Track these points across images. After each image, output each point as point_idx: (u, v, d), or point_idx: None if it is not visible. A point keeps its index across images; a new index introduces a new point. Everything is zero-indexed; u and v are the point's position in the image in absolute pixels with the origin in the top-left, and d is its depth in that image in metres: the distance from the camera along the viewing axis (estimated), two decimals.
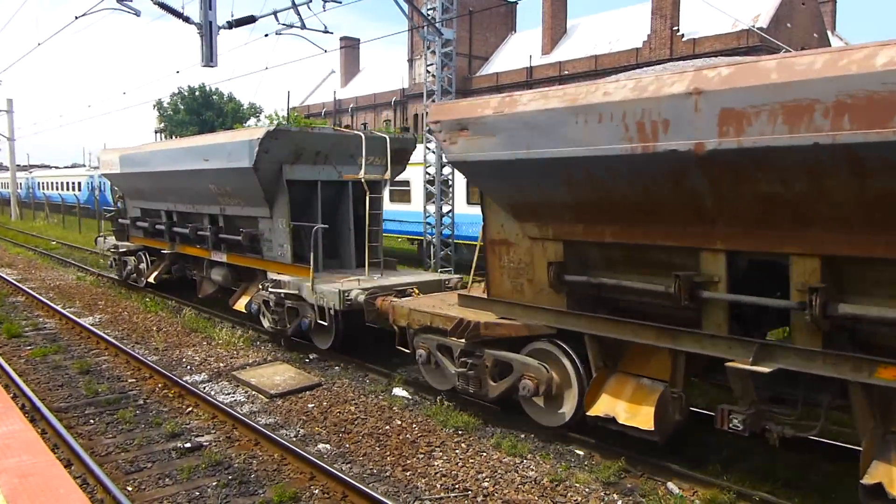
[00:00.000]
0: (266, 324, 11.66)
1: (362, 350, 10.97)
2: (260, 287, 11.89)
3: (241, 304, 12.88)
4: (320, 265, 10.96)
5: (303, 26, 15.76)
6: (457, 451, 7.28)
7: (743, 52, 44.16)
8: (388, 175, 11.88)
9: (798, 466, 6.71)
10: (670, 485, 6.37)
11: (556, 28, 59.58)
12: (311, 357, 11.11)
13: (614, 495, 6.24)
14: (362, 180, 11.31)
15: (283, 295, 11.02)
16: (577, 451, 7.23)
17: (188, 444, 7.33)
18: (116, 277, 18.02)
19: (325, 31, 16.28)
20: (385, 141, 11.78)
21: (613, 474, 6.57)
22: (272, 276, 11.59)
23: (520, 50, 60.84)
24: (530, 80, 55.39)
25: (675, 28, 48.01)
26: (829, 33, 53.68)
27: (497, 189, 7.68)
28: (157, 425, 7.95)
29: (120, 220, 17.58)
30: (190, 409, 8.56)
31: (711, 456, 6.90)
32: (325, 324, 10.35)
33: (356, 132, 11.97)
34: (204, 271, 14.42)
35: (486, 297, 8.26)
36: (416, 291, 10.10)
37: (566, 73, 53.04)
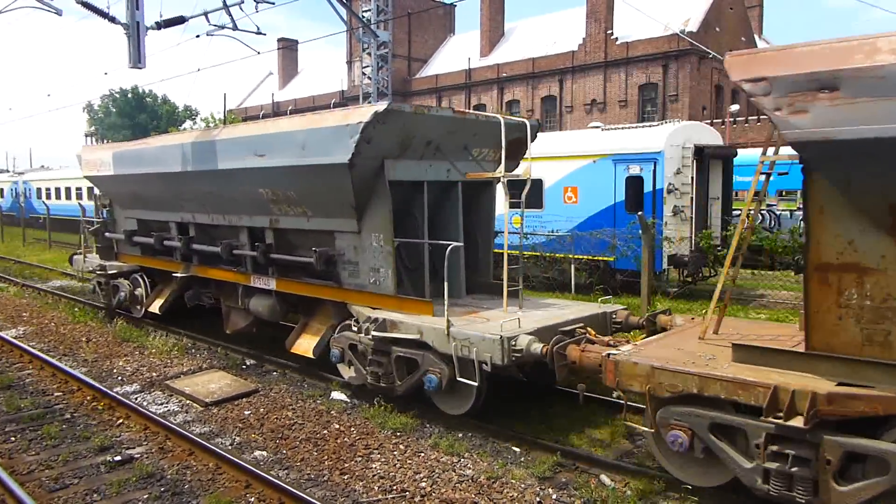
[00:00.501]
0: (349, 375, 8.92)
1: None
2: (334, 323, 9.32)
3: (304, 347, 9.79)
4: (445, 300, 7.61)
5: (235, 27, 15.50)
6: (395, 452, 7.29)
7: (674, 56, 45.58)
8: (523, 173, 8.72)
9: None
10: (603, 477, 6.53)
11: (493, 30, 60.17)
12: (248, 363, 10.93)
13: (549, 489, 6.35)
14: (501, 179, 8.44)
15: (390, 340, 8.01)
16: (514, 448, 7.33)
17: (118, 458, 7.12)
18: (102, 305, 14.60)
19: (259, 33, 16.06)
20: (500, 127, 8.87)
21: (548, 469, 6.68)
22: (365, 311, 8.57)
23: (459, 52, 61.24)
24: (469, 82, 55.80)
25: (610, 32, 49.11)
26: (756, 37, 55.77)
27: (871, 183, 5.10)
28: (84, 439, 7.69)
29: (107, 235, 14.30)
30: (121, 421, 8.31)
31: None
32: (473, 382, 7.30)
33: (492, 115, 9.20)
34: (238, 300, 11.19)
35: (801, 349, 5.74)
36: (592, 332, 7.61)
37: (504, 75, 53.65)
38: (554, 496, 6.23)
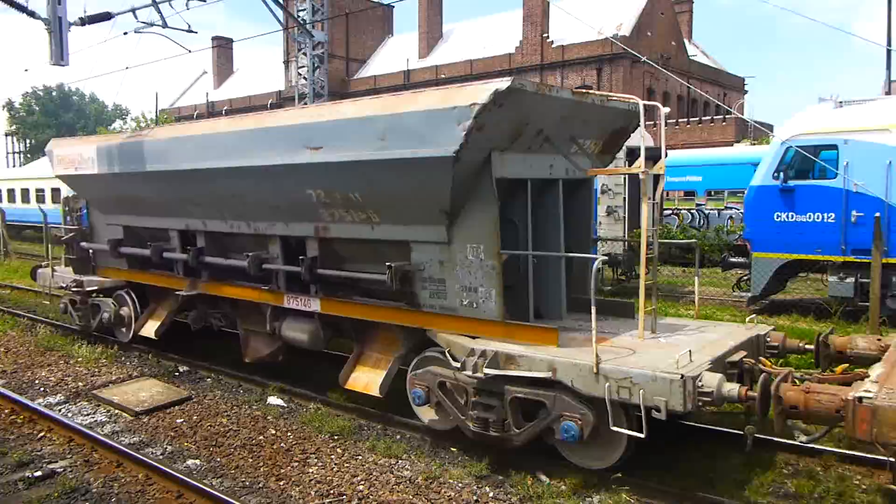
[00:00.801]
0: (430, 418, 7.38)
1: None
2: (402, 353, 7.81)
3: (364, 383, 8.05)
4: (594, 326, 6.09)
5: (164, 25, 15.08)
6: (332, 456, 7.22)
7: (608, 59, 46.66)
8: (657, 168, 6.77)
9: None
10: (539, 473, 6.61)
11: (432, 32, 60.39)
12: (181, 370, 10.63)
13: (486, 488, 6.40)
14: (643, 175, 6.59)
15: (507, 379, 6.39)
16: (452, 449, 7.35)
17: (38, 473, 6.80)
18: (77, 328, 12.33)
19: (190, 31, 15.67)
20: (639, 111, 7.30)
21: (486, 468, 6.73)
22: (458, 340, 6.90)
23: (397, 53, 61.20)
24: (408, 83, 55.74)
25: (546, 35, 49.89)
26: (686, 41, 57.58)
27: None
28: (1, 455, 7.33)
29: (83, 245, 12.07)
30: (42, 434, 7.95)
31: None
32: (638, 434, 5.81)
33: (628, 98, 7.59)
34: (264, 324, 9.38)
35: None
36: (767, 363, 6.43)
37: (443, 76, 53.82)
38: (491, 494, 6.29)
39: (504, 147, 6.75)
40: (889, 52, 20.54)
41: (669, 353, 6.06)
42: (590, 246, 8.62)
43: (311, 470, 6.88)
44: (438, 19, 60.01)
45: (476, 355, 6.51)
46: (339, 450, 7.39)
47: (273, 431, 7.92)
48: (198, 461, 7.18)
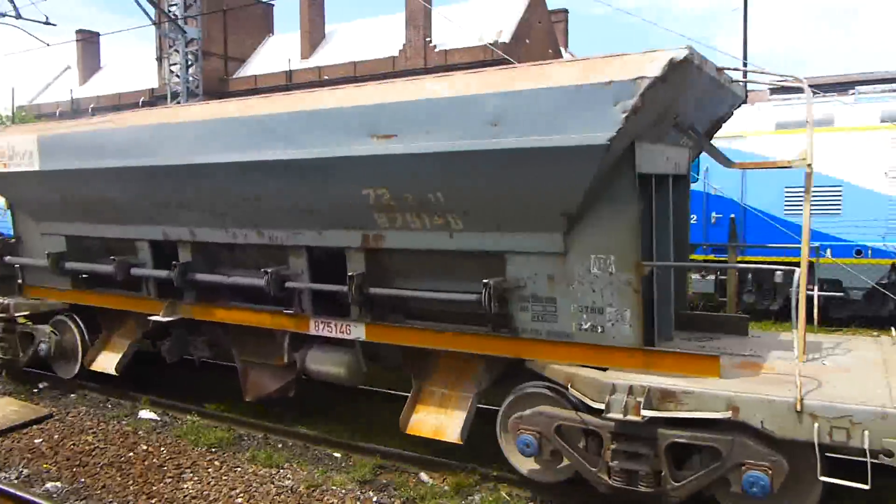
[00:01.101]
0: (530, 468, 6.05)
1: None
2: (478, 391, 6.54)
3: (433, 427, 6.58)
4: (801, 341, 5.32)
5: (18, 16, 13.95)
6: (209, 469, 6.94)
7: (489, 65, 47.70)
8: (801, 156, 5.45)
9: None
10: (422, 475, 6.67)
11: (314, 32, 59.54)
12: (41, 386, 9.87)
13: (370, 492, 6.37)
14: (807, 171, 5.34)
15: (657, 422, 5.15)
16: (335, 455, 7.27)
17: None
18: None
19: (47, 23, 14.57)
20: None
21: (369, 472, 6.71)
22: (582, 373, 5.62)
23: (279, 53, 59.89)
24: (290, 83, 54.67)
25: (429, 39, 50.45)
26: (562, 49, 59.98)
27: None
28: None
29: (6, 259, 9.94)
30: None
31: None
32: (862, 486, 4.63)
33: (788, 77, 5.92)
34: (279, 354, 7.73)
35: None
36: None
37: (326, 77, 53.19)
38: (374, 498, 6.27)
39: (643, 135, 5.52)
40: (745, 64, 22.28)
41: (857, 381, 5.19)
42: (688, 253, 7.57)
43: (185, 485, 6.59)
44: (321, 19, 59.20)
45: (624, 392, 5.20)
46: (216, 462, 7.12)
47: (145, 447, 7.52)
48: (59, 483, 6.70)
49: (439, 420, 6.60)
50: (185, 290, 8.18)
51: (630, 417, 5.08)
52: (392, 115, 5.97)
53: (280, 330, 7.57)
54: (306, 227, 6.97)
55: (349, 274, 6.68)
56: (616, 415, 5.12)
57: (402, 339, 6.74)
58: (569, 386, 5.61)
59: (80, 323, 9.44)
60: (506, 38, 47.81)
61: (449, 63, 48.54)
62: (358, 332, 6.93)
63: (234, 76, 60.31)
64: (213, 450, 7.42)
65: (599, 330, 5.70)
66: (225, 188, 7.20)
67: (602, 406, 5.21)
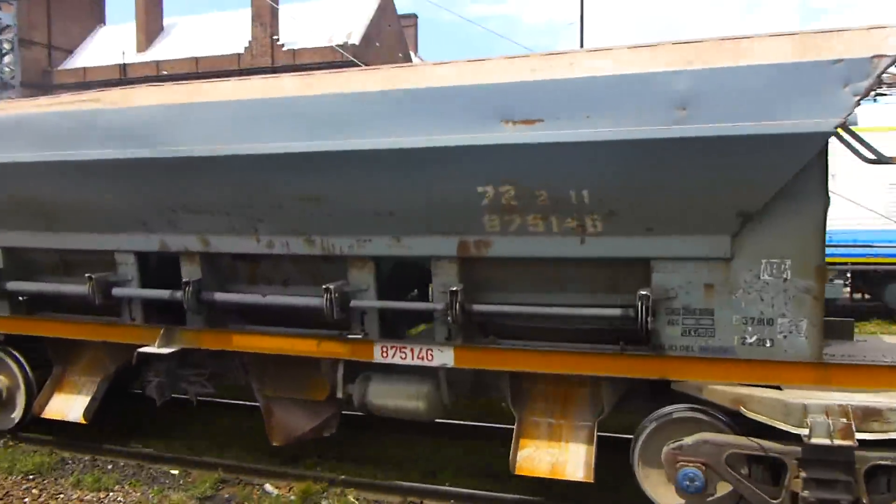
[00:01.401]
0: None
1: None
2: (591, 424, 5.68)
3: (553, 465, 5.62)
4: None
5: None
6: (26, 499, 6.30)
7: (339, 65, 47.36)
8: None
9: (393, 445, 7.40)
10: (267, 486, 6.46)
11: (151, 25, 56.29)
12: None
13: None
14: None
15: (861, 444, 4.62)
16: (172, 472, 6.86)
17: None
18: None
19: None
20: None
21: (210, 487, 6.40)
22: (756, 395, 4.95)
23: (111, 45, 55.96)
24: (124, 77, 51.22)
25: (276, 37, 49.29)
26: (412, 53, 60.73)
27: None
28: None
29: None
30: None
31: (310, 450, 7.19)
32: None
33: None
34: (323, 387, 6.44)
35: None
36: None
37: (165, 73, 50.40)
38: None
39: None
40: None
41: None
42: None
43: None
44: (158, 10, 55.95)
45: (820, 413, 4.64)
46: (35, 490, 6.48)
47: None
48: None
49: (552, 455, 5.72)
50: (194, 312, 6.58)
51: (839, 442, 4.54)
52: (537, 97, 4.94)
53: (329, 359, 6.24)
54: (379, 232, 5.71)
55: (444, 290, 5.57)
56: (821, 440, 4.57)
57: (509, 364, 5.66)
58: (741, 408, 4.92)
59: (20, 359, 7.49)
60: (356, 39, 47.71)
61: (297, 63, 47.63)
62: (444, 357, 5.78)
63: (60, 67, 55.62)
64: (31, 477, 6.74)
65: (768, 344, 5.06)
66: (267, 186, 5.78)
67: (797, 430, 4.64)
